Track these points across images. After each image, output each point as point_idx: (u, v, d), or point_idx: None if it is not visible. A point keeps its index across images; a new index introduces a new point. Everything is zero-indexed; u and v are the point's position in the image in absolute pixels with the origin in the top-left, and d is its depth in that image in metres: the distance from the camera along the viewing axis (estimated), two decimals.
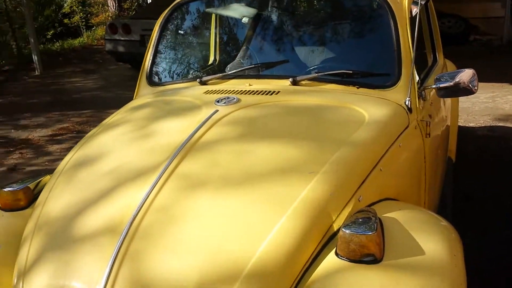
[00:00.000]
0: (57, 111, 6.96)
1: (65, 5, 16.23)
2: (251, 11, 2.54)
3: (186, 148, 1.66)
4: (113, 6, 14.52)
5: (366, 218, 1.36)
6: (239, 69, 2.34)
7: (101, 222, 1.47)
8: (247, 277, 1.25)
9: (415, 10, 2.33)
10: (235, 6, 2.56)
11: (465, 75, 2.03)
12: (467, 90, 2.04)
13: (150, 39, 2.63)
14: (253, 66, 2.35)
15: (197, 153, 1.65)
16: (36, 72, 10.15)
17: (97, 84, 8.84)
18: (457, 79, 2.02)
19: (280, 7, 2.46)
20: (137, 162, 1.68)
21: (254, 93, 2.07)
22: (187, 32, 2.67)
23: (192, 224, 1.40)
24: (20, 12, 12.83)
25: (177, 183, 1.53)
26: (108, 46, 9.06)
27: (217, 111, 1.89)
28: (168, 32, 2.64)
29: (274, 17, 2.51)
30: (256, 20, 2.61)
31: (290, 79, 2.15)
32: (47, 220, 1.59)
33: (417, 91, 2.08)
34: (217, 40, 2.85)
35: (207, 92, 2.16)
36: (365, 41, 2.31)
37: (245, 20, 2.57)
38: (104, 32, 11.00)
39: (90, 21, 15.87)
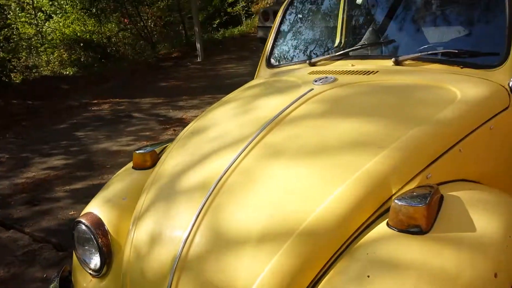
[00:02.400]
0: (209, 95, 7.68)
1: None
2: None
3: (276, 121, 1.86)
4: None
5: (422, 192, 1.41)
6: (343, 51, 2.44)
7: (197, 180, 1.76)
8: (300, 235, 1.42)
9: None
10: None
11: None
12: None
13: (273, 24, 2.87)
14: (354, 48, 2.43)
15: (284, 126, 1.84)
16: (198, 59, 11.21)
17: (247, 70, 9.46)
18: None
19: None
20: (234, 132, 1.93)
21: (353, 73, 2.17)
22: (307, 17, 2.83)
23: (265, 185, 1.60)
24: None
25: (261, 151, 1.74)
26: (260, 33, 9.56)
27: (312, 89, 2.04)
28: (289, 17, 2.85)
29: None
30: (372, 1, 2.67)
31: (393, 59, 2.20)
32: (161, 176, 1.94)
33: None
34: (344, 23, 2.94)
35: (311, 73, 2.32)
36: (475, 18, 2.23)
37: (359, 1, 2.64)
38: None
39: (250, 10, 16.80)
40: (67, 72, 13.76)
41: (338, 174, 1.55)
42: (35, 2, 16.04)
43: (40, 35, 16.17)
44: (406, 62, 2.19)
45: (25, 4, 16.28)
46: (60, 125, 7.35)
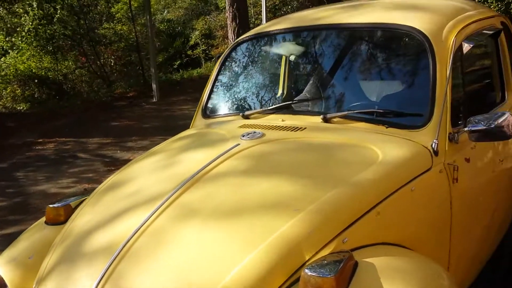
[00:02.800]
0: (161, 136, 7.53)
1: (192, 37, 17.58)
2: (298, 49, 2.61)
3: (196, 178, 1.78)
4: (232, 39, 15.32)
5: (333, 260, 1.35)
6: (276, 106, 2.42)
7: (103, 241, 1.64)
8: None
9: (467, 46, 2.23)
10: (285, 44, 2.66)
11: (500, 118, 1.89)
12: (502, 135, 1.90)
13: (211, 75, 2.84)
14: (285, 103, 2.41)
15: (203, 183, 1.76)
16: (154, 99, 11.09)
17: None
18: (490, 122, 1.90)
19: (322, 46, 2.51)
20: (151, 189, 1.84)
21: (281, 129, 2.14)
22: (245, 67, 2.81)
23: (174, 249, 1.50)
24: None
25: (175, 211, 1.65)
26: None
27: (238, 144, 1.99)
28: (227, 68, 2.81)
29: (318, 56, 2.56)
30: (306, 58, 2.69)
31: (322, 116, 2.19)
32: (69, 235, 1.80)
33: (448, 134, 1.98)
34: (286, 75, 2.93)
35: (242, 126, 2.27)
36: (403, 79, 2.26)
37: (292, 57, 2.65)
38: None
39: (210, 53, 16.97)
40: (21, 108, 13.40)
41: (251, 238, 1.48)
42: None
43: None
44: (335, 120, 2.18)
45: None
46: None
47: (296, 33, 2.59)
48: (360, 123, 2.13)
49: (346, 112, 2.18)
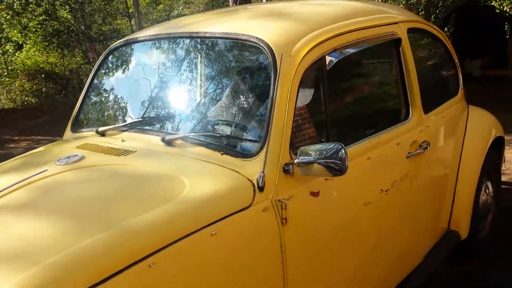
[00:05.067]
0: None
1: None
2: (159, 58, 2.32)
3: None
4: None
5: None
6: (123, 124, 2.15)
7: None
8: None
9: (331, 60, 1.93)
10: (149, 52, 2.38)
11: (332, 150, 1.59)
12: (331, 169, 1.59)
13: (85, 85, 2.59)
14: (131, 122, 2.15)
15: None
16: None
17: None
18: (320, 155, 1.59)
19: (177, 56, 2.22)
20: None
21: (107, 152, 1.90)
22: (113, 80, 2.52)
23: None
24: None
25: None
26: None
27: (45, 170, 1.75)
28: (99, 78, 2.55)
29: (171, 67, 2.28)
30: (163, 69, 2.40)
31: (160, 138, 1.92)
32: None
33: (283, 165, 1.68)
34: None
35: (79, 146, 2.03)
36: (248, 100, 1.95)
37: (153, 67, 2.35)
38: None
39: None
40: (31, 100, 13.53)
41: None
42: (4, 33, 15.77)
43: (5, 65, 15.96)
44: (177, 142, 1.91)
45: None
46: None
47: (158, 42, 2.30)
48: (199, 147, 1.86)
49: (183, 135, 1.91)
